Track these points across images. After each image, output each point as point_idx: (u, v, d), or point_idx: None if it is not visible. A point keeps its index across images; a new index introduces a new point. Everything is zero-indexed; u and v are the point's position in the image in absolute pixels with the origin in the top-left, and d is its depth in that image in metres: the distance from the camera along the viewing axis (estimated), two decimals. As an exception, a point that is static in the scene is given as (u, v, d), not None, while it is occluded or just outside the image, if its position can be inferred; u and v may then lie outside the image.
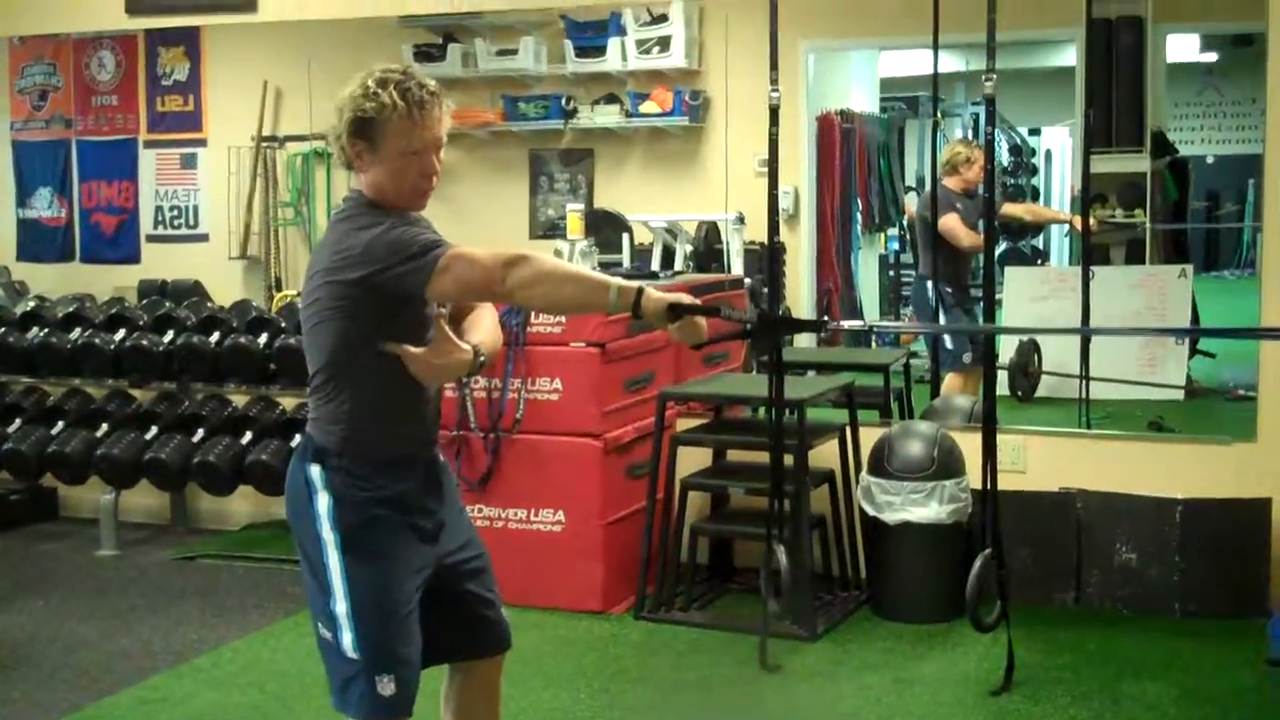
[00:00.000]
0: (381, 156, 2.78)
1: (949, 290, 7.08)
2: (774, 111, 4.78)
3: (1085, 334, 6.18)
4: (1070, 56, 8.31)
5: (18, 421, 6.73)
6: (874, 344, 7.96)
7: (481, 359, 2.88)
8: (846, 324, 7.38)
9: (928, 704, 4.37)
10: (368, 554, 2.79)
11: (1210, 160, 12.91)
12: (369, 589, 2.78)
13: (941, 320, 7.06)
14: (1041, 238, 11.67)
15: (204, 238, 7.91)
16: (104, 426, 6.59)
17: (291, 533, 2.91)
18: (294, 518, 2.88)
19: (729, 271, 6.62)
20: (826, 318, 7.16)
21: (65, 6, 7.56)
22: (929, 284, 7.06)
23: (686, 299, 2.76)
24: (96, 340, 6.58)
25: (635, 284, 2.72)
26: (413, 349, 2.77)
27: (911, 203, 9.17)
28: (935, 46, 6.44)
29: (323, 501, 2.80)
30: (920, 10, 6.22)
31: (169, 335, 6.51)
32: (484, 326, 2.98)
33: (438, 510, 2.90)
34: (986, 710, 4.29)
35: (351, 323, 2.75)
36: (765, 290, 6.08)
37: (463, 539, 2.98)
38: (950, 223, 6.96)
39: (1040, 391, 7.19)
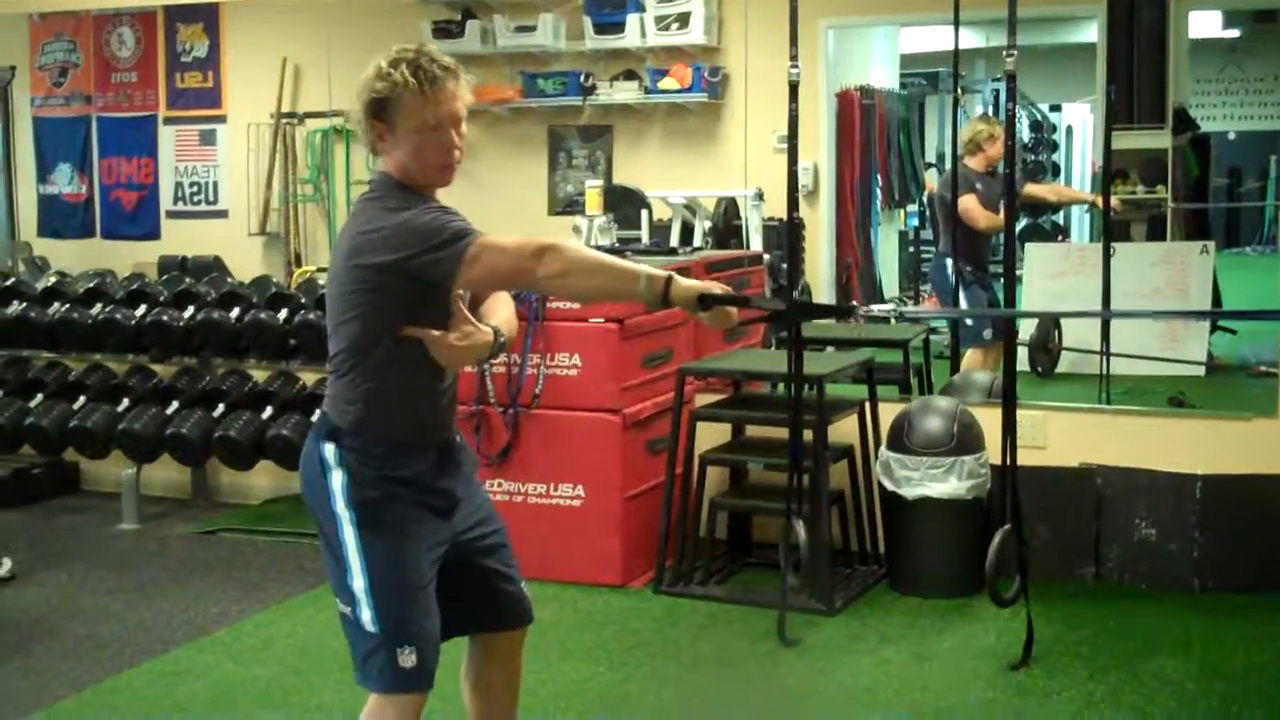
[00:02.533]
0: (399, 135, 2.79)
1: (969, 268, 7.06)
2: (793, 88, 4.77)
3: (1106, 317, 6.16)
4: (1092, 32, 8.27)
5: (39, 396, 6.76)
6: (893, 320, 7.95)
7: (502, 340, 2.89)
8: (876, 308, 7.36)
9: (946, 678, 4.37)
10: (383, 529, 2.80)
11: (1232, 136, 12.86)
12: (385, 564, 2.79)
13: (961, 297, 7.04)
14: (1062, 214, 11.62)
15: (224, 214, 7.94)
16: (125, 401, 6.61)
17: (307, 509, 2.92)
18: (309, 495, 2.90)
19: (748, 247, 6.62)
20: (855, 304, 7.15)
21: (85, -17, 7.58)
22: (948, 261, 7.04)
23: (717, 288, 2.75)
24: (118, 316, 6.60)
25: (664, 273, 2.72)
26: (434, 332, 2.78)
27: (932, 179, 9.16)
28: (956, 23, 6.41)
29: (337, 479, 2.81)
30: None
31: (189, 311, 6.52)
32: (502, 309, 2.99)
33: (453, 489, 2.91)
34: (1005, 685, 4.30)
35: (377, 309, 2.76)
36: (784, 266, 6.07)
37: (480, 515, 2.99)
38: (968, 203, 6.93)
39: (1060, 367, 7.18)
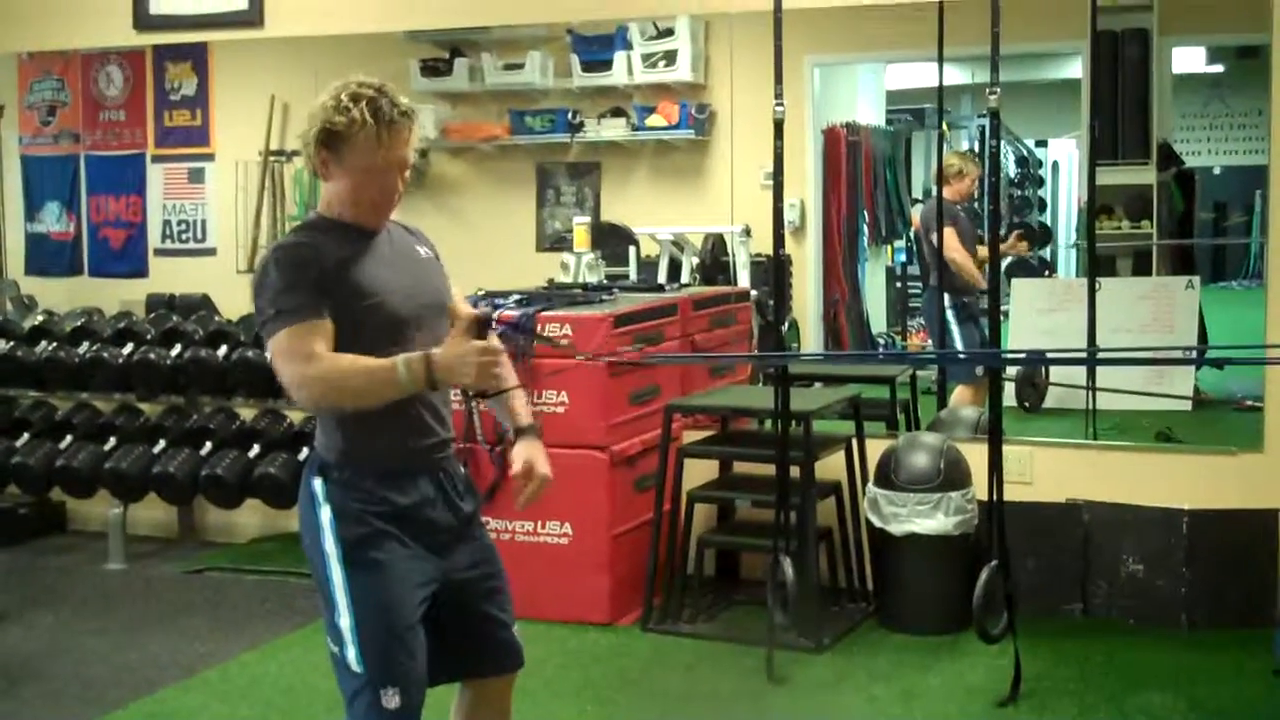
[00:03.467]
0: (345, 169, 2.80)
1: (964, 300, 7.08)
2: (779, 125, 4.80)
3: (1092, 364, 6.15)
4: (1076, 69, 8.31)
5: (26, 435, 6.76)
6: (880, 355, 7.95)
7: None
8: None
9: (934, 715, 4.37)
10: (368, 567, 2.78)
11: (1217, 171, 12.91)
12: (370, 603, 2.78)
13: (955, 331, 7.05)
14: (1049, 249, 11.65)
15: (211, 252, 7.92)
16: (112, 440, 6.61)
17: (303, 546, 2.91)
18: (303, 531, 2.89)
19: (735, 284, 6.63)
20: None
21: (73, 22, 7.59)
22: (942, 295, 7.06)
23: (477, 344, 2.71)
24: (105, 354, 6.60)
25: (420, 353, 2.70)
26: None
27: (918, 214, 9.19)
28: (940, 60, 6.45)
29: (325, 514, 2.81)
30: (926, 24, 6.24)
31: (177, 349, 6.52)
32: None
33: (449, 524, 2.89)
34: (993, 722, 4.30)
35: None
36: (772, 303, 6.09)
37: (477, 557, 2.96)
38: (946, 239, 6.99)
39: (1047, 402, 7.18)
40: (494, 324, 2.76)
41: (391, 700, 2.76)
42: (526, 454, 2.99)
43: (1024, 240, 8.12)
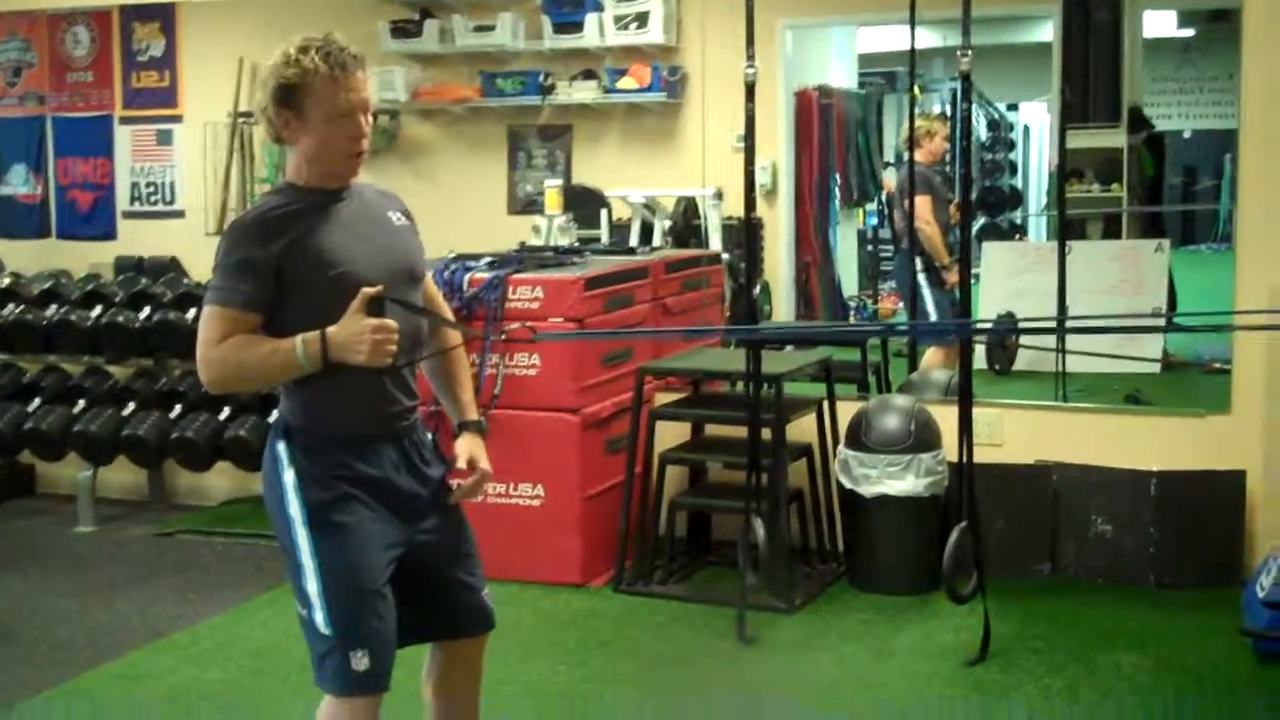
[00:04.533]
0: (310, 123, 2.77)
1: (936, 265, 7.08)
2: (750, 88, 4.79)
3: (1062, 332, 6.17)
4: (1048, 32, 8.33)
5: (-6, 399, 6.71)
6: (853, 318, 7.97)
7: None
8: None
9: (905, 674, 4.40)
10: (333, 530, 2.77)
11: (1187, 135, 12.95)
12: (337, 565, 2.77)
13: (926, 295, 7.07)
14: (1019, 212, 11.69)
15: (180, 214, 7.87)
16: (81, 403, 6.57)
17: (266, 509, 2.90)
18: (266, 493, 2.88)
19: (707, 247, 6.63)
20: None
21: (38, -19, 7.52)
22: (914, 260, 7.08)
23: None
24: (73, 317, 6.56)
25: (315, 332, 2.69)
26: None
27: (890, 178, 9.20)
28: (912, 22, 6.45)
29: (289, 477, 2.80)
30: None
31: (145, 311, 6.49)
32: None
33: (413, 491, 2.88)
34: (963, 680, 4.33)
35: (277, 304, 2.75)
36: (744, 265, 6.09)
37: (444, 521, 2.95)
38: (920, 205, 7.00)
39: (1017, 365, 7.22)
40: (387, 301, 2.72)
41: (361, 662, 2.75)
42: (470, 450, 3.01)
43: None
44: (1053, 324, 6.23)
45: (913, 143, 7.03)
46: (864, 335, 6.96)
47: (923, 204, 7.01)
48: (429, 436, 2.99)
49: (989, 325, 7.07)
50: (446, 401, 3.10)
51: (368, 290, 2.71)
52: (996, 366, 7.19)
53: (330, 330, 2.69)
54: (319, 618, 2.77)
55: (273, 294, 2.73)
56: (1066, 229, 6.74)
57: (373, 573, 2.79)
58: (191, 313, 6.37)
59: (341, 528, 2.77)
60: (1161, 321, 7.02)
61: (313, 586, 2.78)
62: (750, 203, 4.94)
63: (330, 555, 2.77)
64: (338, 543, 2.77)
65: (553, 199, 6.49)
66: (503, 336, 4.69)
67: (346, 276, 2.74)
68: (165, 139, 7.92)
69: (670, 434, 5.46)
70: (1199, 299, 7.71)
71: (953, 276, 6.83)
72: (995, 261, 7.86)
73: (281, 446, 2.82)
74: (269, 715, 4.18)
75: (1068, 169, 7.49)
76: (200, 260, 7.28)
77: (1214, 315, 5.85)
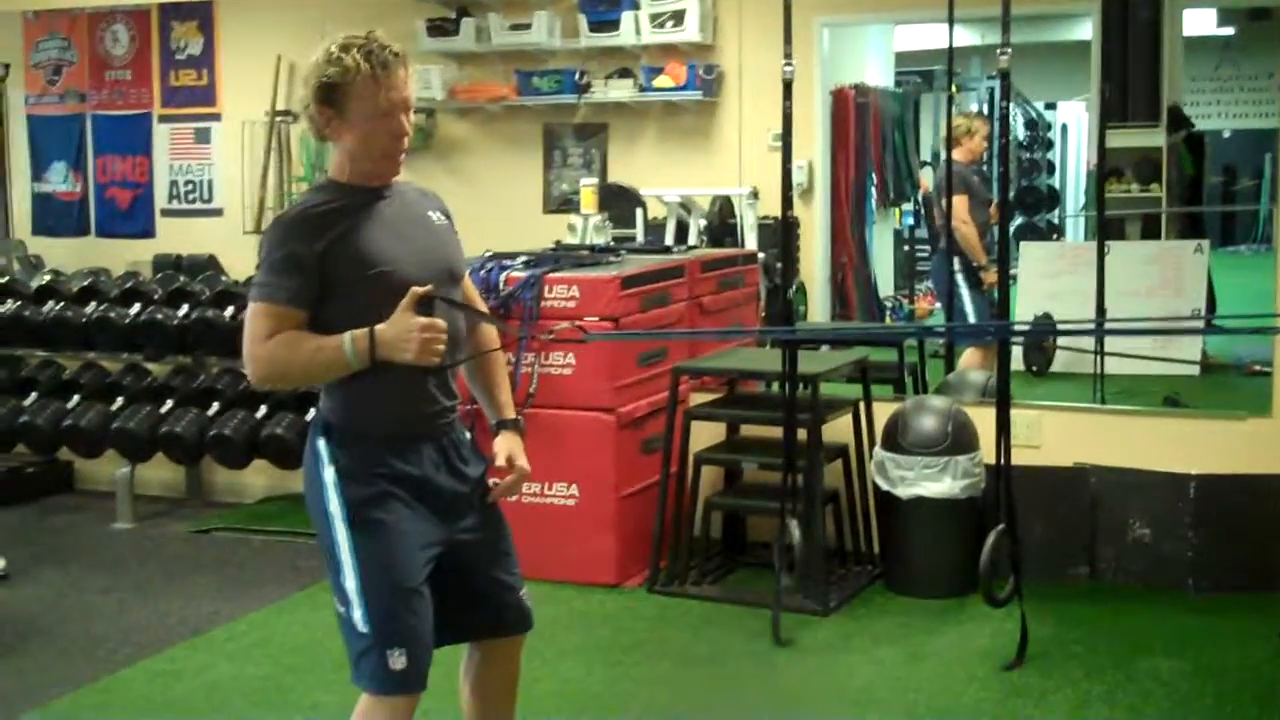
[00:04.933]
0: (350, 121, 2.77)
1: (973, 265, 7.04)
2: (788, 86, 4.77)
3: (1102, 334, 6.13)
4: (1087, 30, 8.28)
5: (33, 395, 6.76)
6: (889, 319, 7.94)
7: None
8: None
9: (940, 678, 4.37)
10: (373, 528, 2.77)
11: (1227, 134, 12.87)
12: (376, 564, 2.77)
13: (964, 296, 7.03)
14: (1057, 212, 11.61)
15: (218, 212, 7.93)
16: (119, 400, 6.61)
17: (306, 506, 2.91)
18: (306, 491, 2.88)
19: (743, 246, 6.62)
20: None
21: (78, -20, 7.56)
22: (951, 260, 7.04)
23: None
24: (112, 314, 6.59)
25: (365, 329, 2.69)
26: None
27: (927, 177, 9.16)
28: (950, 21, 6.40)
29: (329, 474, 2.80)
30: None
31: (184, 309, 6.51)
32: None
33: (453, 490, 2.88)
34: (999, 684, 4.30)
35: (323, 301, 2.75)
36: (779, 265, 6.08)
37: (484, 521, 2.95)
38: (957, 205, 6.95)
39: (1055, 366, 7.19)
40: (436, 300, 2.72)
41: (398, 661, 2.76)
42: (509, 448, 3.02)
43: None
44: (1091, 326, 6.18)
45: (950, 141, 7.00)
46: (901, 336, 6.92)
47: (960, 204, 6.97)
48: (467, 435, 3.00)
49: (1027, 327, 7.04)
50: (484, 400, 3.10)
51: (417, 289, 2.71)
52: (1034, 368, 7.15)
53: (379, 328, 2.69)
54: (357, 615, 2.77)
55: (317, 290, 2.74)
56: (1106, 229, 6.70)
57: (411, 571, 2.79)
58: (229, 311, 6.41)
59: (381, 526, 2.78)
60: (1201, 323, 6.97)
61: (351, 584, 2.78)
62: (787, 202, 4.92)
63: (369, 553, 2.77)
64: (377, 541, 2.77)
65: (588, 198, 6.50)
66: (550, 335, 4.68)
67: (388, 275, 2.75)
68: (203, 137, 7.98)
69: (705, 434, 5.44)
70: (1238, 301, 7.65)
71: (990, 277, 6.81)
72: (1033, 262, 7.82)
73: (322, 444, 2.83)
74: (305, 712, 4.19)
75: (1106, 168, 7.44)
76: (238, 258, 7.33)
77: (1254, 317, 5.80)
